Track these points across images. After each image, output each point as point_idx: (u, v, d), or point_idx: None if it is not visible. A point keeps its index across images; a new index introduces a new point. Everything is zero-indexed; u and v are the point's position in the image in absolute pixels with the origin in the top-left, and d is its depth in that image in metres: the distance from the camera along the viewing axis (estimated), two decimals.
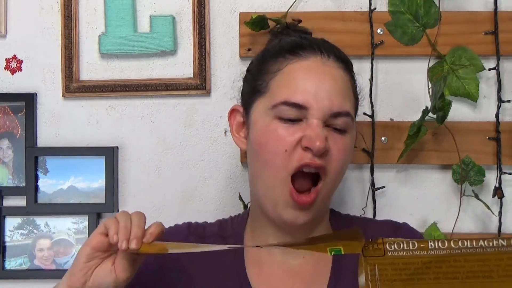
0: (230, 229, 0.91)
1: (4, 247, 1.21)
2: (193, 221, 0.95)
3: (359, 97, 0.89)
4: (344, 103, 0.81)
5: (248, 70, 0.91)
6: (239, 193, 1.16)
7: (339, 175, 0.83)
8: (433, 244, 0.66)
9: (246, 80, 0.90)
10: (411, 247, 0.66)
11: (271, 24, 1.13)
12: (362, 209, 1.16)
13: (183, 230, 0.92)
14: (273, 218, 0.83)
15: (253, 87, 0.85)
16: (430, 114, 1.11)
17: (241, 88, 0.91)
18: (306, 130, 0.78)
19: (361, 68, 1.16)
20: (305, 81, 0.80)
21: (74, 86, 1.20)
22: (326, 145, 0.77)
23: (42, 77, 1.21)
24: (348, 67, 0.85)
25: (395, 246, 0.66)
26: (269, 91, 0.82)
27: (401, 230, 0.92)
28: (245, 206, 1.15)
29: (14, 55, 1.22)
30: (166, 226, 0.91)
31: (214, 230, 0.91)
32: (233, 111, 0.90)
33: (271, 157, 0.80)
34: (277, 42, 0.90)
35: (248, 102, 0.86)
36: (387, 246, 0.66)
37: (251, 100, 0.85)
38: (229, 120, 0.90)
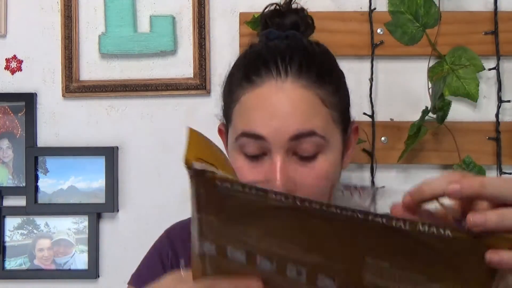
0: None
1: (4, 247, 1.21)
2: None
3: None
4: (307, 122, 0.73)
5: (222, 88, 0.85)
6: None
7: (320, 196, 0.74)
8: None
9: (222, 99, 0.85)
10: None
11: None
12: None
13: (188, 227, 0.91)
14: None
15: (224, 112, 0.83)
16: (430, 114, 1.11)
17: (222, 106, 0.85)
18: (268, 169, 0.73)
19: (361, 68, 1.17)
20: (259, 111, 0.74)
21: (74, 86, 1.20)
22: (286, 186, 0.71)
23: (42, 77, 1.21)
24: (318, 76, 0.75)
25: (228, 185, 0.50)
26: (233, 121, 0.78)
27: None
28: None
29: (14, 55, 1.22)
30: (166, 226, 0.92)
31: None
32: (220, 131, 0.86)
33: None
34: (241, 57, 0.82)
35: (226, 126, 0.82)
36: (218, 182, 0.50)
37: (227, 126, 0.82)
38: (220, 137, 0.86)
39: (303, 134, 0.72)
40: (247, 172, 0.75)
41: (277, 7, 0.86)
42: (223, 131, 0.85)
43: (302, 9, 0.86)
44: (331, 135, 0.75)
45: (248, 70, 0.77)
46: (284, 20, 0.83)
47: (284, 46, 0.78)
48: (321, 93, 0.75)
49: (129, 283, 0.89)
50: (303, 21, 0.84)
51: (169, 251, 0.88)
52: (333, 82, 0.78)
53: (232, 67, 0.82)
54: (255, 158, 0.75)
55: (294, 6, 0.87)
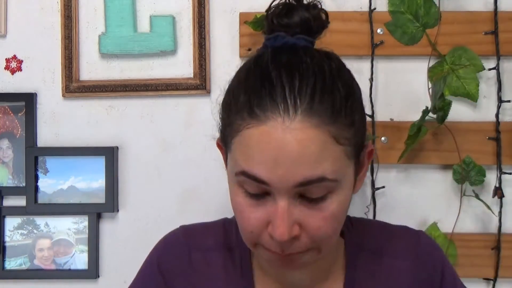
0: (234, 238, 0.82)
1: (4, 247, 1.21)
2: (187, 224, 0.87)
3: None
4: (316, 168, 0.64)
5: (221, 104, 0.76)
6: None
7: (329, 240, 0.70)
8: None
9: (220, 115, 0.77)
10: None
11: None
12: (367, 206, 1.17)
13: (181, 247, 0.83)
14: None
15: (223, 135, 0.74)
16: (430, 114, 1.11)
17: (219, 122, 0.77)
18: (270, 210, 0.67)
19: (361, 68, 1.17)
20: (262, 153, 0.65)
21: (74, 86, 1.20)
22: (290, 234, 0.65)
23: (42, 77, 1.21)
24: (327, 114, 0.65)
25: None
26: (232, 152, 0.70)
27: (420, 243, 0.83)
28: None
29: (14, 55, 1.22)
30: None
31: (219, 240, 0.83)
32: (218, 146, 0.79)
33: (240, 227, 0.71)
34: (244, 73, 0.72)
35: (224, 147, 0.75)
36: None
37: (225, 147, 0.74)
38: (219, 150, 0.80)
39: (311, 181, 0.65)
40: (248, 210, 0.68)
41: (287, 1, 0.74)
42: (222, 147, 0.77)
43: (315, 5, 0.73)
44: (343, 175, 0.68)
45: (252, 100, 0.67)
46: (293, 19, 0.72)
47: (294, 66, 0.67)
48: (333, 130, 0.66)
49: None
50: (315, 19, 0.73)
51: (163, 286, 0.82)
52: (348, 114, 0.67)
53: (233, 83, 0.73)
54: (256, 196, 0.68)
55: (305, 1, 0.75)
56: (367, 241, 0.83)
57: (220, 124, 0.75)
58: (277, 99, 0.65)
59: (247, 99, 0.67)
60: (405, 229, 0.86)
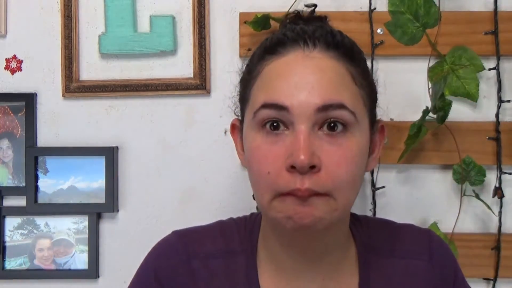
0: (237, 241, 0.79)
1: (4, 247, 1.21)
2: (181, 229, 0.83)
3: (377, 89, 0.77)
4: (335, 93, 0.66)
5: (240, 79, 0.80)
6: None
7: (347, 192, 0.68)
8: None
9: (239, 90, 0.79)
10: None
11: (273, 24, 1.13)
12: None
13: (180, 254, 0.79)
14: (277, 231, 0.74)
15: (241, 97, 0.77)
16: (430, 114, 1.11)
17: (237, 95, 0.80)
18: (290, 143, 0.66)
19: None
20: (283, 79, 0.68)
21: (74, 86, 1.20)
22: (311, 160, 0.64)
23: (42, 77, 1.21)
24: (347, 54, 0.71)
25: None
26: (251, 98, 0.72)
27: (433, 241, 0.82)
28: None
29: (14, 55, 1.22)
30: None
31: (219, 245, 0.79)
32: (233, 127, 0.80)
33: (256, 178, 0.69)
34: (262, 42, 0.77)
35: (242, 113, 0.76)
36: None
37: (242, 112, 0.76)
38: (232, 135, 0.80)
39: (331, 105, 0.66)
40: (267, 149, 0.68)
41: (300, 13, 0.80)
42: (237, 127, 0.78)
43: (325, 17, 0.79)
44: (360, 115, 0.69)
45: (272, 44, 0.71)
46: (309, 24, 0.76)
47: (311, 28, 0.72)
48: (351, 69, 0.70)
49: None
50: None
51: None
52: (361, 66, 0.73)
53: (253, 52, 0.77)
54: (275, 132, 0.68)
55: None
56: (375, 240, 0.81)
57: (240, 94, 0.77)
58: (297, 39, 0.70)
59: (267, 45, 0.72)
60: (411, 227, 0.85)
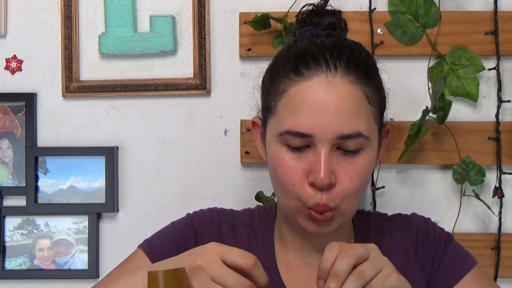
0: (258, 221, 0.91)
1: (4, 247, 1.21)
2: (218, 207, 0.95)
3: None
4: (354, 123, 0.76)
5: (262, 80, 0.87)
6: (257, 192, 1.16)
7: (353, 200, 0.80)
8: None
9: (261, 92, 0.87)
10: None
11: (273, 24, 1.13)
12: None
13: (213, 217, 0.91)
14: (296, 226, 0.84)
15: (265, 104, 0.84)
16: (430, 114, 1.11)
17: (260, 98, 0.89)
18: (312, 160, 0.76)
19: None
20: (308, 108, 0.76)
21: (74, 86, 1.20)
22: (330, 179, 0.75)
23: (42, 77, 1.21)
24: (361, 75, 0.78)
25: None
26: (277, 114, 0.80)
27: (428, 226, 0.92)
28: (270, 200, 1.14)
29: (14, 55, 1.22)
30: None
31: (245, 220, 0.91)
32: (254, 124, 0.89)
33: (282, 186, 0.80)
34: (285, 50, 0.83)
35: (264, 117, 0.84)
36: None
37: (266, 117, 0.83)
38: (252, 129, 0.90)
39: (351, 135, 0.76)
40: (291, 164, 0.77)
41: (314, 7, 0.87)
42: (257, 124, 0.87)
43: (339, 12, 0.88)
44: (373, 134, 0.79)
45: (297, 62, 0.78)
46: (322, 20, 0.85)
47: (330, 43, 0.79)
48: (366, 90, 0.78)
49: (141, 247, 0.87)
50: (340, 22, 0.86)
51: (192, 243, 0.87)
52: (377, 80, 0.81)
53: (275, 60, 0.84)
54: (298, 149, 0.77)
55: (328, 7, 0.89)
56: (372, 225, 0.92)
57: (264, 97, 0.85)
58: (319, 61, 0.77)
59: (294, 62, 0.78)
60: (399, 214, 0.95)
